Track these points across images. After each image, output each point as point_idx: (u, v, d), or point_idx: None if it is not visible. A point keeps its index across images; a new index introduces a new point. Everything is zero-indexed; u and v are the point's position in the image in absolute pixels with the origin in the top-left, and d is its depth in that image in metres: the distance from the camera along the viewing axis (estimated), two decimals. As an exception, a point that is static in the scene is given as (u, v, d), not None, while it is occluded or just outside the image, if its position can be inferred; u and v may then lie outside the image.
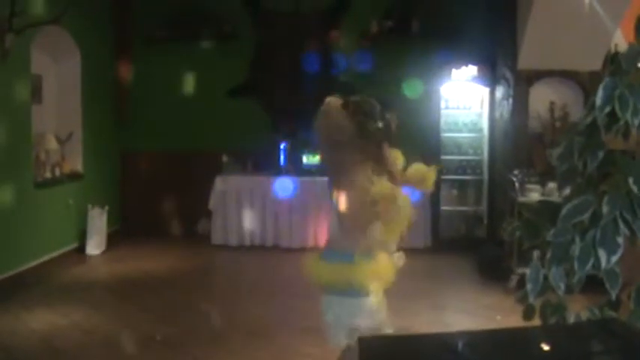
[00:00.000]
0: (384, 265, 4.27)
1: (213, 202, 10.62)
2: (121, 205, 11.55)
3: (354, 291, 4.11)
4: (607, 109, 3.36)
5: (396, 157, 4.57)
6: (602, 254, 3.36)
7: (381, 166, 4.23)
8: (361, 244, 4.11)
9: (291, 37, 11.23)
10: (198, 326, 6.92)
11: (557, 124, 8.97)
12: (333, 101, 4.22)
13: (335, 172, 4.30)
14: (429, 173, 4.65)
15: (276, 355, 6.07)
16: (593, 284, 3.67)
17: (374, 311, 4.21)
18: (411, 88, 10.56)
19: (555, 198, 6.90)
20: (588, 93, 8.86)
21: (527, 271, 3.63)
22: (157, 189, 11.38)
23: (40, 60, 9.37)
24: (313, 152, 10.46)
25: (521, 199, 8.28)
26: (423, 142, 10.68)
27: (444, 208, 10.85)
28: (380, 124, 4.19)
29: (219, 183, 10.64)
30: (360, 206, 4.06)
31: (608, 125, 3.44)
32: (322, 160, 4.38)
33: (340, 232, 4.22)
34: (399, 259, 4.63)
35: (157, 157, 11.51)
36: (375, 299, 4.22)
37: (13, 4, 7.82)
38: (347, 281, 4.09)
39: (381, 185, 4.10)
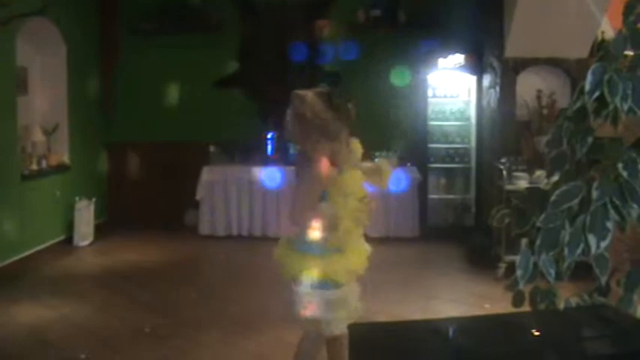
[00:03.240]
0: (356, 258, 4.30)
1: (200, 193, 10.59)
2: (108, 196, 11.51)
3: (326, 283, 4.15)
4: (596, 94, 3.36)
5: (356, 147, 4.63)
6: (591, 240, 3.36)
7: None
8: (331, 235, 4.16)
9: (278, 27, 11.20)
10: (186, 317, 6.92)
11: (545, 111, 8.98)
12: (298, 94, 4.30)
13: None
14: (385, 171, 4.73)
15: (264, 344, 6.06)
16: (582, 271, 3.68)
17: (346, 302, 4.25)
18: (400, 77, 10.57)
19: (543, 185, 6.92)
20: (575, 81, 8.87)
21: (517, 257, 3.63)
22: (144, 180, 11.36)
23: (25, 52, 9.32)
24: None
25: (508, 186, 8.30)
26: (411, 131, 10.72)
27: (431, 196, 10.88)
28: (319, 116, 4.23)
29: (207, 173, 10.61)
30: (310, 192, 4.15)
31: (597, 110, 3.44)
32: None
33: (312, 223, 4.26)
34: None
35: (143, 148, 11.47)
36: (346, 290, 4.26)
37: (-3, -4, 7.77)
38: (320, 274, 4.13)
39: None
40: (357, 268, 4.29)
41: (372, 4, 11.02)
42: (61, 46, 10.04)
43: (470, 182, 10.95)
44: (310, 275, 4.14)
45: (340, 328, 4.15)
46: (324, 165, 4.09)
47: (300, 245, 4.24)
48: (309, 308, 4.18)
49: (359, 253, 4.33)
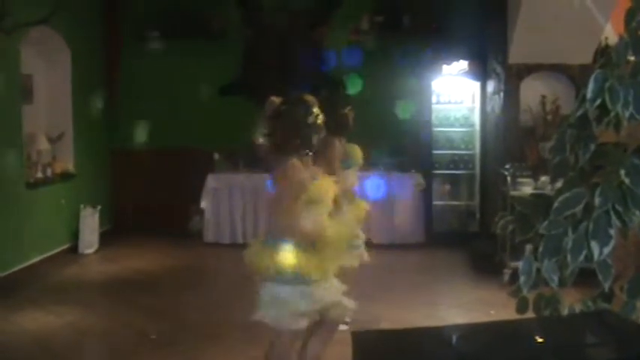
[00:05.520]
0: (330, 255, 4.33)
1: (205, 201, 10.60)
2: (113, 204, 11.52)
3: (293, 277, 4.16)
4: (597, 102, 3.37)
5: (355, 151, 4.71)
6: (594, 246, 3.36)
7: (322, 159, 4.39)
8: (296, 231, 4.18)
9: (281, 34, 11.23)
10: (192, 324, 6.93)
11: (549, 117, 8.98)
12: (273, 99, 4.44)
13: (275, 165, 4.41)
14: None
15: (269, 351, 6.06)
16: (585, 277, 3.68)
17: (314, 299, 4.26)
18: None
19: (548, 191, 6.92)
20: (579, 86, 8.85)
21: (520, 264, 3.63)
22: (149, 188, 11.36)
23: (30, 60, 9.34)
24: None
25: (513, 192, 8.29)
26: (415, 137, 10.71)
27: (436, 203, 10.87)
28: (310, 120, 4.33)
29: (211, 181, 10.62)
30: (290, 197, 4.19)
31: (599, 118, 3.44)
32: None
33: (281, 220, 4.29)
34: (362, 255, 4.75)
35: (148, 155, 11.48)
36: (316, 288, 4.27)
37: (2, 5, 7.79)
38: (286, 267, 4.15)
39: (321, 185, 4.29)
40: (329, 265, 4.31)
41: (376, 10, 11.04)
42: (65, 54, 10.06)
43: (474, 188, 10.94)
44: (281, 268, 4.17)
45: (291, 324, 4.20)
46: (296, 169, 4.15)
47: (272, 239, 4.28)
48: (274, 311, 4.23)
49: (335, 251, 4.36)
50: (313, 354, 4.63)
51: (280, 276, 4.19)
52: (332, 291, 4.39)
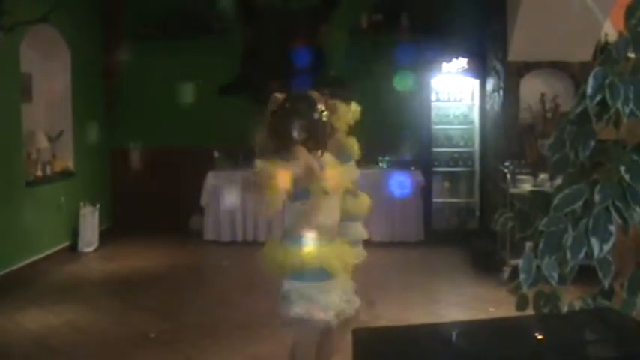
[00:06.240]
0: (348, 249, 4.34)
1: (205, 198, 10.59)
2: (113, 202, 11.53)
3: (317, 272, 4.14)
4: (597, 98, 3.37)
5: (351, 144, 4.74)
6: (594, 243, 3.36)
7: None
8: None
9: (281, 32, 11.22)
10: (191, 322, 6.93)
11: (548, 115, 8.98)
12: (277, 96, 4.44)
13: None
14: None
15: (269, 349, 6.06)
16: (585, 274, 3.68)
17: (338, 293, 4.27)
18: (402, 81, 10.58)
19: (547, 189, 6.92)
20: (579, 83, 8.84)
21: (520, 261, 3.63)
22: (149, 186, 11.35)
23: (30, 58, 9.34)
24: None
25: (512, 190, 8.28)
26: (415, 135, 10.71)
27: (436, 200, 10.87)
28: (315, 117, 4.30)
29: (211, 179, 10.61)
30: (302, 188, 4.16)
31: (599, 114, 3.44)
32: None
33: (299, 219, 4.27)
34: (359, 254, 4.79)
35: (148, 154, 11.46)
36: (338, 281, 4.28)
37: (2, 3, 7.78)
38: (317, 263, 4.14)
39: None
40: (350, 259, 4.32)
41: (375, 9, 11.04)
42: (65, 53, 10.06)
43: (474, 186, 10.94)
44: (304, 266, 4.16)
45: (317, 319, 4.18)
46: (301, 154, 4.14)
47: (290, 236, 4.26)
48: (302, 305, 4.19)
49: (349, 245, 4.37)
50: (328, 352, 4.60)
51: (303, 271, 4.16)
52: (348, 286, 4.41)
